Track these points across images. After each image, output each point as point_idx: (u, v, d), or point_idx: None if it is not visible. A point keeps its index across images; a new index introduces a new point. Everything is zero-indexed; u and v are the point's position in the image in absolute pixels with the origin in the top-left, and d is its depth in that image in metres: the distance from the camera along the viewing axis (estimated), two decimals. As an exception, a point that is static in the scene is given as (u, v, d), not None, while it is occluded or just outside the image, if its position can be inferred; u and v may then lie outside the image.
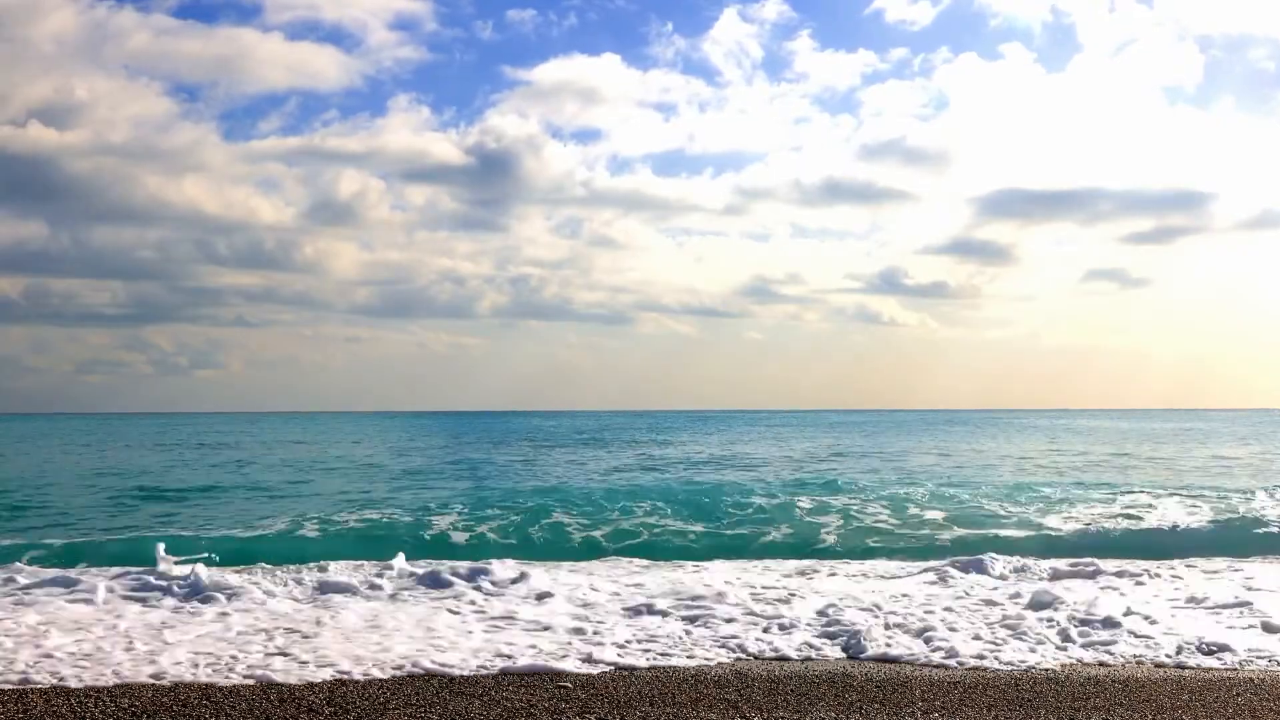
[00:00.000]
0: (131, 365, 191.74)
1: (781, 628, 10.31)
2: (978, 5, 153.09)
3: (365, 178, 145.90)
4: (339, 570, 13.44)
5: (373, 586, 12.43)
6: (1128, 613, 10.83)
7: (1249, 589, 12.48)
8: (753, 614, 10.93)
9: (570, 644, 9.63)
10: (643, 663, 9.03)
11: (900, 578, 13.64)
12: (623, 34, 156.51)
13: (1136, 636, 9.92)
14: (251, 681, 8.31)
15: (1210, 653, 9.32)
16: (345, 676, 8.48)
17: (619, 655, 9.25)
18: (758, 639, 9.90)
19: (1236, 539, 16.88)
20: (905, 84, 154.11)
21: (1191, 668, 8.91)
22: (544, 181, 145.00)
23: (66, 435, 69.86)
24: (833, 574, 14.00)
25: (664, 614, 10.94)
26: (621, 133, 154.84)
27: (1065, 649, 9.49)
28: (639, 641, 9.75)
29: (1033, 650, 9.44)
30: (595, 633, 10.14)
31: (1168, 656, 9.25)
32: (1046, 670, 8.78)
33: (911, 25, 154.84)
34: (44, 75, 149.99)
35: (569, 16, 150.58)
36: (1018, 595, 12.07)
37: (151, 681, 8.29)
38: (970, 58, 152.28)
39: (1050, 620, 10.55)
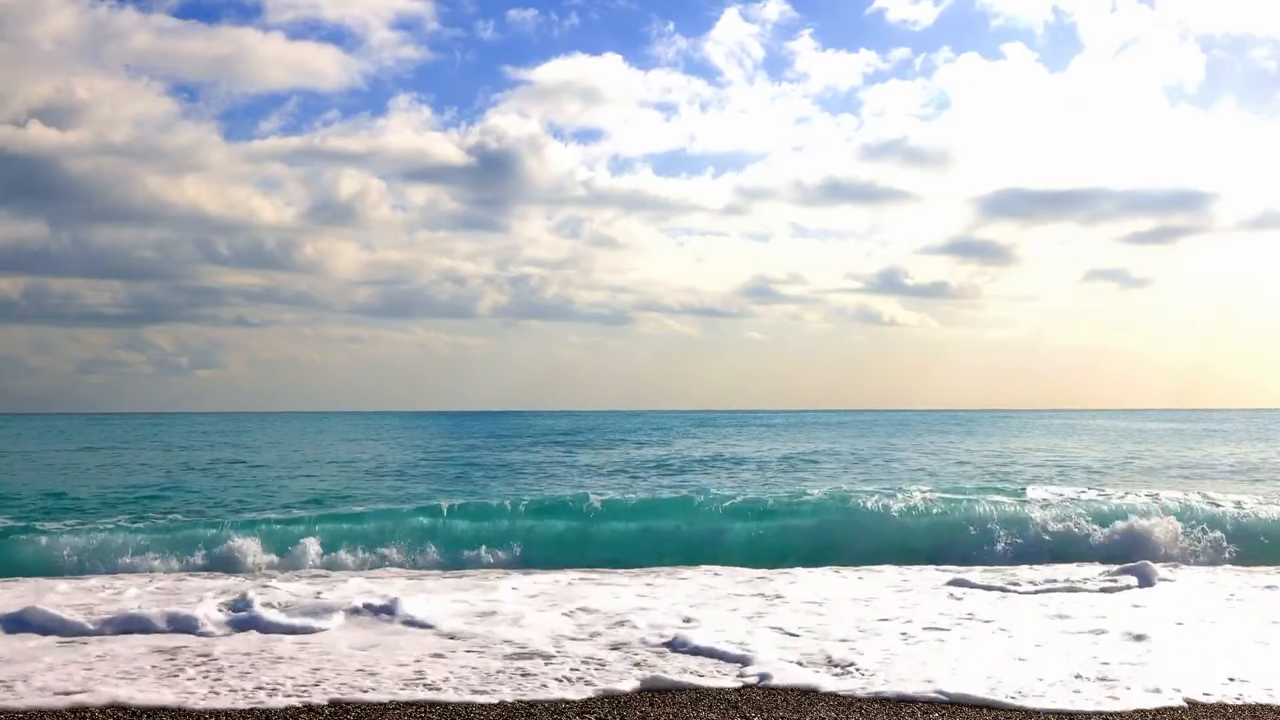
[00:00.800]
0: (132, 365, 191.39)
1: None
2: (979, 5, 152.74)
3: (366, 178, 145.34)
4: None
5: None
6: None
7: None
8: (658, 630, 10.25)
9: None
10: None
11: (886, 582, 13.67)
12: (624, 34, 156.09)
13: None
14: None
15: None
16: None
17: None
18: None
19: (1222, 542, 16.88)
20: (906, 84, 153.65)
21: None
22: (545, 181, 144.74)
23: (65, 435, 69.92)
24: (830, 579, 14.05)
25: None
26: (622, 133, 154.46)
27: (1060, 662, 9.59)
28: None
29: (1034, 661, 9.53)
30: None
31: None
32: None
33: (913, 25, 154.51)
34: (44, 75, 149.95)
35: (570, 16, 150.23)
36: (1008, 605, 12.14)
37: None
38: (972, 58, 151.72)
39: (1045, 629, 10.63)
